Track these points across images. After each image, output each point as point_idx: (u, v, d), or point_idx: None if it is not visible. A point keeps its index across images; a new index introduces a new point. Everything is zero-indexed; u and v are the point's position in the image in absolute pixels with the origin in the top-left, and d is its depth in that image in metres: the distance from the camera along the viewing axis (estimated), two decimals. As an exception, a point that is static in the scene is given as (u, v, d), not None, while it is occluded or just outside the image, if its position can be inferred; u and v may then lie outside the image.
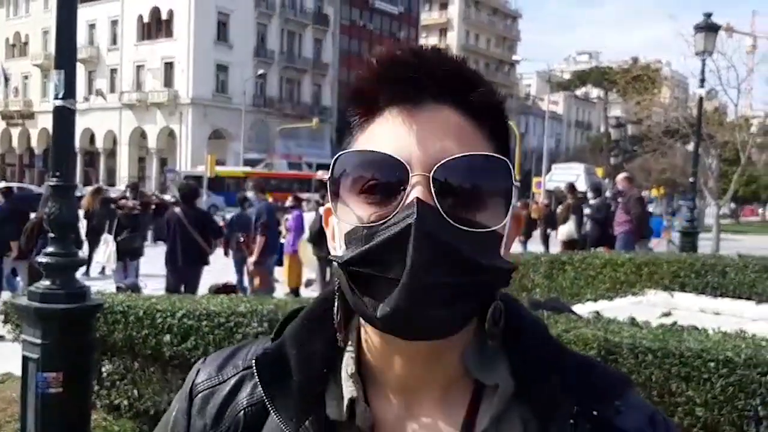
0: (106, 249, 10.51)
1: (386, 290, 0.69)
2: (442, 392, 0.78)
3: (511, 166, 0.74)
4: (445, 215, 0.69)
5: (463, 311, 0.71)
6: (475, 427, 0.76)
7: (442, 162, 0.70)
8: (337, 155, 0.76)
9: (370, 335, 0.79)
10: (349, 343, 0.81)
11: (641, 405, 0.79)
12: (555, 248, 14.41)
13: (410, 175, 0.70)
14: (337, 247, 0.77)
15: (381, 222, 0.70)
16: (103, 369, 4.98)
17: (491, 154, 0.74)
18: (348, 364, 0.80)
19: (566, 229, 14.20)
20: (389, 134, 0.74)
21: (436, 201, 0.69)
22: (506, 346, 0.78)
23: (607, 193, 16.32)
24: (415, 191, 0.69)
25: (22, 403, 4.06)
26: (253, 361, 0.81)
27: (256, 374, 0.80)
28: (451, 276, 0.68)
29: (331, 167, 0.76)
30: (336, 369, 0.80)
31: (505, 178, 0.74)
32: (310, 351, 0.81)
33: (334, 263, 0.75)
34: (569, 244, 13.46)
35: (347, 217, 0.74)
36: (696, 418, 3.41)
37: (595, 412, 0.75)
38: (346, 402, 0.77)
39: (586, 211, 13.46)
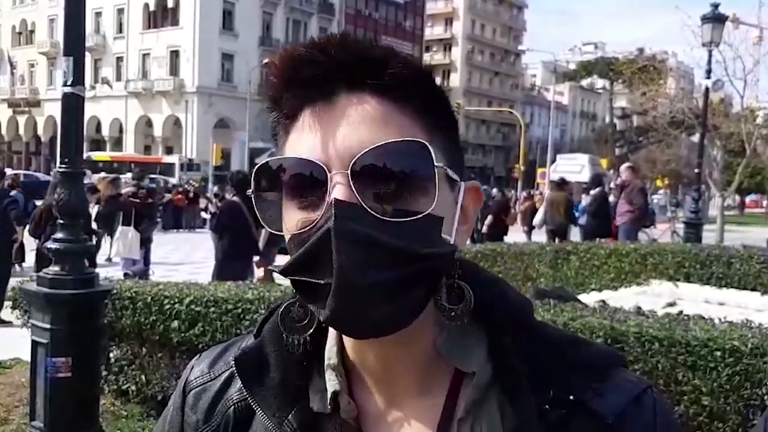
0: (125, 241, 10.44)
1: (324, 295, 0.68)
2: (422, 380, 0.78)
3: (429, 147, 0.70)
4: (370, 210, 0.67)
5: (407, 303, 0.70)
6: (455, 414, 0.76)
7: (358, 156, 0.68)
8: (255, 167, 0.75)
9: None
10: (331, 334, 0.81)
11: (627, 385, 0.76)
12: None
13: (329, 174, 0.69)
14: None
15: (308, 228, 0.69)
16: (112, 354, 5.01)
17: (405, 138, 0.70)
18: (330, 357, 0.79)
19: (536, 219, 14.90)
20: (304, 137, 0.72)
21: (357, 197, 0.67)
22: (486, 330, 0.77)
23: (612, 184, 16.31)
24: (335, 191, 0.67)
25: (31, 388, 4.10)
26: (233, 360, 0.82)
27: (236, 373, 0.81)
28: (383, 272, 0.67)
29: (252, 179, 0.75)
30: (319, 361, 0.80)
31: (425, 159, 0.70)
32: (289, 346, 0.80)
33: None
34: (551, 233, 13.71)
35: (284, 226, 0.73)
36: (702, 407, 3.43)
37: (571, 397, 0.73)
38: (329, 395, 0.77)
39: (584, 202, 13.52)
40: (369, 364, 0.78)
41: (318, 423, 0.78)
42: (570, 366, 0.75)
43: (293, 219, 0.72)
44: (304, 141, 0.72)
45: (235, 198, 8.21)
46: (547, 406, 0.72)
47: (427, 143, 0.70)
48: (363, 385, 0.80)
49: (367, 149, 0.68)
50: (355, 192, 0.68)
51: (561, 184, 14.72)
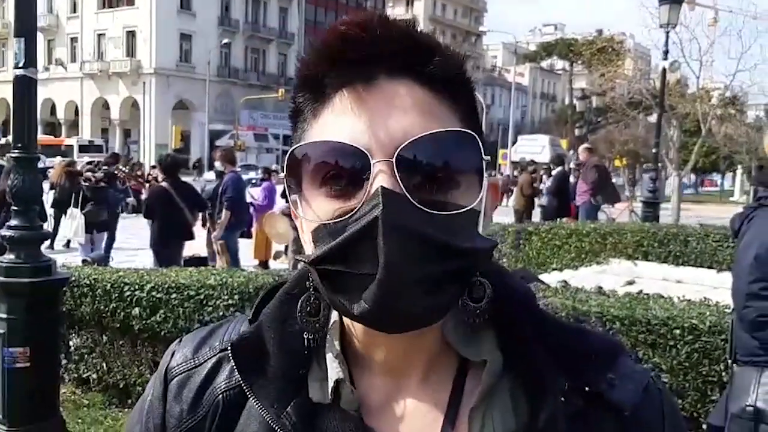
0: (73, 223, 10.28)
1: (360, 286, 0.65)
2: (427, 370, 0.76)
3: (479, 139, 0.69)
4: (414, 201, 0.65)
5: (446, 298, 0.68)
6: (461, 403, 0.74)
7: (404, 145, 0.65)
8: (290, 150, 0.70)
9: (350, 321, 0.76)
10: (333, 322, 0.78)
11: (635, 374, 0.76)
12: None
13: (371, 162, 0.66)
14: (306, 244, 0.73)
15: (347, 216, 0.66)
16: (71, 343, 4.93)
17: (456, 129, 0.69)
18: (332, 345, 0.76)
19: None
20: (344, 120, 0.68)
21: (402, 187, 0.65)
22: (492, 319, 0.75)
23: (571, 164, 16.51)
24: (378, 179, 0.65)
25: (-12, 379, 4.00)
26: (229, 347, 0.77)
27: (232, 361, 0.76)
28: (429, 265, 0.65)
29: (285, 163, 0.70)
30: (319, 349, 0.77)
31: (474, 152, 0.69)
32: (290, 333, 0.77)
33: (302, 263, 0.71)
34: (517, 213, 14.01)
35: (310, 214, 0.70)
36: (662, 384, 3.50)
37: (587, 388, 0.72)
38: (331, 383, 0.74)
39: (548, 184, 13.71)
40: (376, 353, 0.76)
41: (317, 414, 0.74)
42: (581, 355, 0.75)
43: (323, 207, 0.68)
44: (341, 126, 0.68)
45: (163, 183, 8.11)
46: (563, 398, 0.71)
47: (475, 135, 0.69)
48: (365, 375, 0.77)
49: (414, 138, 0.66)
50: (400, 182, 0.65)
51: (525, 166, 15.01)
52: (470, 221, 0.70)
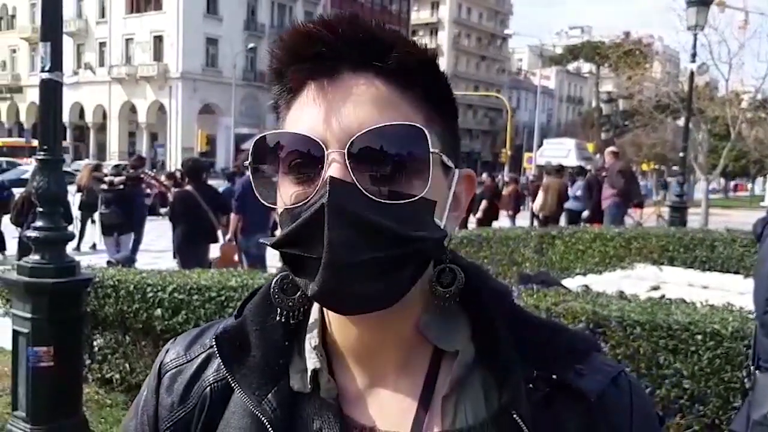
0: (95, 226, 10.46)
1: (313, 269, 0.69)
2: (403, 360, 0.79)
3: (426, 132, 0.71)
4: (363, 190, 0.69)
5: (394, 283, 0.71)
6: (435, 392, 0.77)
7: (356, 136, 0.69)
8: (253, 139, 0.76)
9: (327, 312, 0.80)
10: (313, 315, 0.82)
11: (605, 367, 0.79)
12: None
13: (326, 152, 0.70)
14: None
15: (301, 203, 0.71)
16: (95, 343, 4.99)
17: (403, 122, 0.71)
18: (311, 336, 0.81)
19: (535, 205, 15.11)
20: (306, 112, 0.73)
21: (352, 176, 0.69)
22: (468, 313, 0.80)
23: (596, 168, 16.37)
24: (331, 169, 0.69)
25: (13, 377, 4.07)
26: (213, 339, 0.83)
27: (216, 351, 0.81)
28: (374, 251, 0.68)
29: (251, 152, 0.76)
30: (300, 341, 0.82)
31: (421, 144, 0.71)
32: (270, 326, 0.82)
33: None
34: (544, 219, 13.86)
35: (278, 200, 0.75)
36: (683, 390, 3.45)
37: (554, 376, 0.75)
38: (309, 373, 0.78)
39: (578, 191, 13.51)
40: (351, 343, 0.79)
41: (298, 402, 0.78)
42: (552, 348, 0.78)
43: (288, 193, 0.73)
44: (304, 117, 0.73)
45: (187, 187, 8.16)
46: (531, 385, 0.74)
47: (423, 128, 0.71)
48: (343, 365, 0.81)
49: (365, 130, 0.70)
50: (351, 171, 0.69)
51: (559, 171, 14.81)
52: (422, 210, 0.72)
